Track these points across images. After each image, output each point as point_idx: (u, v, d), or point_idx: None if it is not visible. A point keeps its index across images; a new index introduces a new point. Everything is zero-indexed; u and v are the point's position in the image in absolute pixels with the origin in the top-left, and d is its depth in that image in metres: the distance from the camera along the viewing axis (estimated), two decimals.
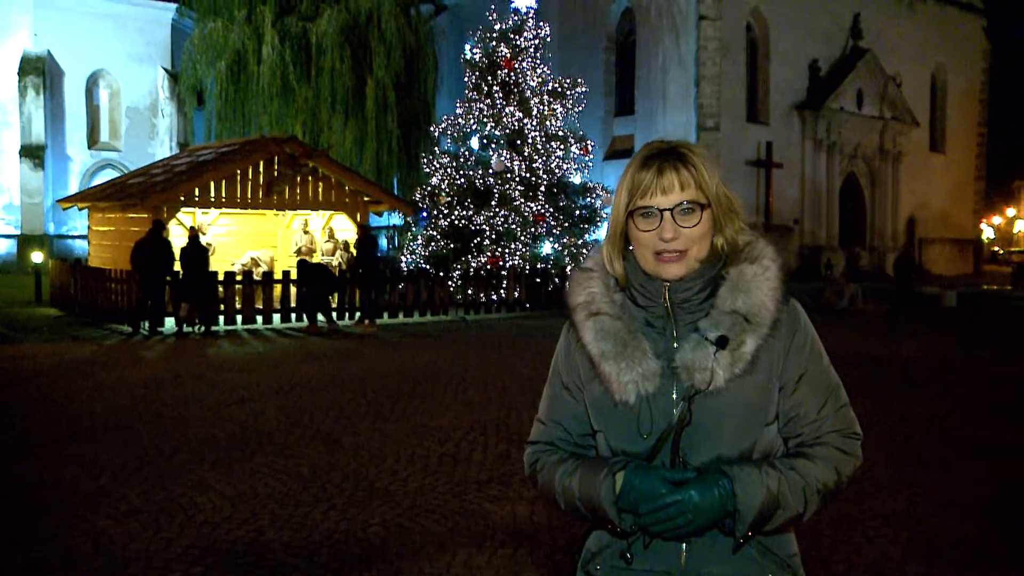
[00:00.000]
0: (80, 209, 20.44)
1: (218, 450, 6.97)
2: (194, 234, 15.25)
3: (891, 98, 36.13)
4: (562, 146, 21.73)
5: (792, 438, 1.81)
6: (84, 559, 4.69)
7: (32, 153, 32.05)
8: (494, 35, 21.89)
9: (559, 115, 21.94)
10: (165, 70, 34.23)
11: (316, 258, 18.48)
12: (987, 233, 41.11)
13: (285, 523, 5.27)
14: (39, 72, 32.16)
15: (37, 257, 21.47)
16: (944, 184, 40.13)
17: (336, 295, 16.68)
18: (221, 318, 15.53)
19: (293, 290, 16.62)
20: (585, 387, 1.85)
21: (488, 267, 20.10)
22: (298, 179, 17.67)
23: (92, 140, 33.91)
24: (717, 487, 1.66)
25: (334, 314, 16.28)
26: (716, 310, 1.75)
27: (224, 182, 16.95)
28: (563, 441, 1.90)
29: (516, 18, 21.98)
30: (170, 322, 14.95)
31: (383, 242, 28.42)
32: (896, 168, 37.08)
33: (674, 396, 1.74)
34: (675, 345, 1.76)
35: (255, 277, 16.60)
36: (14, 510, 5.54)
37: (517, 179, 20.97)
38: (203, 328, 14.75)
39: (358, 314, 16.72)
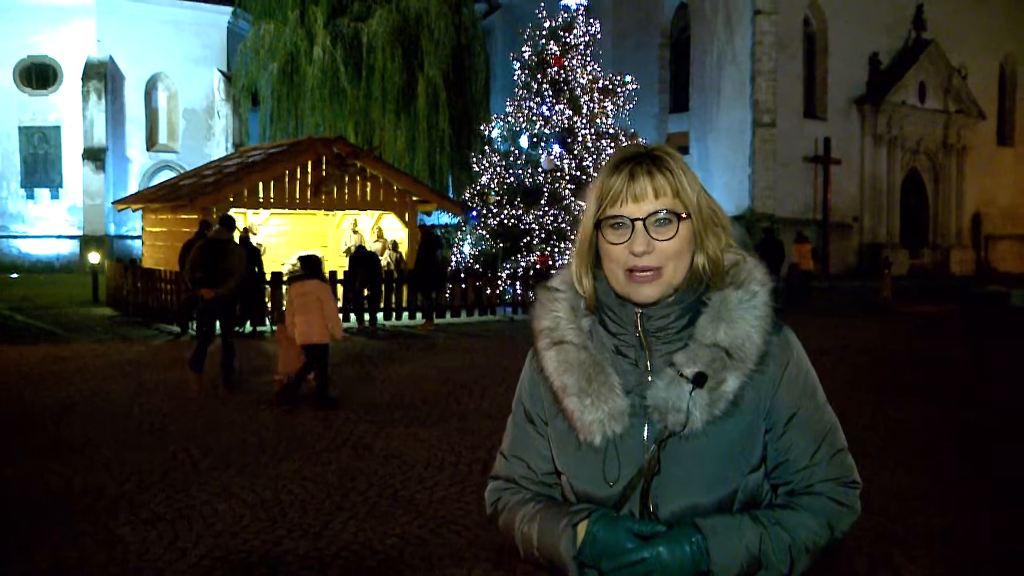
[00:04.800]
0: (133, 210, 20.73)
1: (246, 455, 6.90)
2: (244, 235, 15.31)
3: (956, 90, 35.00)
4: (613, 144, 21.45)
5: (781, 485, 1.60)
6: (95, 569, 4.62)
7: (94, 155, 32.76)
8: (544, 33, 21.72)
9: (609, 113, 21.67)
10: (221, 72, 34.68)
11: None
12: None
13: (303, 533, 5.15)
14: (101, 77, 32.84)
15: (95, 258, 21.88)
16: (1013, 178, 38.73)
17: (383, 294, 16.66)
18: (267, 319, 15.57)
19: (341, 290, 16.62)
20: (549, 422, 1.67)
21: (537, 266, 19.90)
22: (346, 179, 17.67)
23: (151, 142, 34.54)
24: (689, 544, 1.46)
25: (380, 315, 16.26)
26: (695, 342, 1.55)
27: (272, 183, 17.00)
28: (526, 479, 1.72)
29: (566, 15, 21.77)
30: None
31: None
32: (961, 163, 35.90)
33: (645, 438, 1.54)
34: (648, 379, 1.56)
35: None
36: (37, 516, 5.51)
37: (567, 177, 20.76)
38: (250, 328, 14.80)
39: (419, 314, 16.74)
